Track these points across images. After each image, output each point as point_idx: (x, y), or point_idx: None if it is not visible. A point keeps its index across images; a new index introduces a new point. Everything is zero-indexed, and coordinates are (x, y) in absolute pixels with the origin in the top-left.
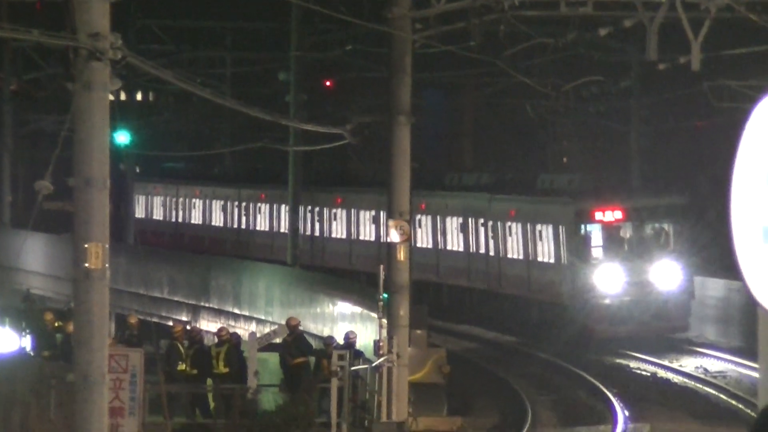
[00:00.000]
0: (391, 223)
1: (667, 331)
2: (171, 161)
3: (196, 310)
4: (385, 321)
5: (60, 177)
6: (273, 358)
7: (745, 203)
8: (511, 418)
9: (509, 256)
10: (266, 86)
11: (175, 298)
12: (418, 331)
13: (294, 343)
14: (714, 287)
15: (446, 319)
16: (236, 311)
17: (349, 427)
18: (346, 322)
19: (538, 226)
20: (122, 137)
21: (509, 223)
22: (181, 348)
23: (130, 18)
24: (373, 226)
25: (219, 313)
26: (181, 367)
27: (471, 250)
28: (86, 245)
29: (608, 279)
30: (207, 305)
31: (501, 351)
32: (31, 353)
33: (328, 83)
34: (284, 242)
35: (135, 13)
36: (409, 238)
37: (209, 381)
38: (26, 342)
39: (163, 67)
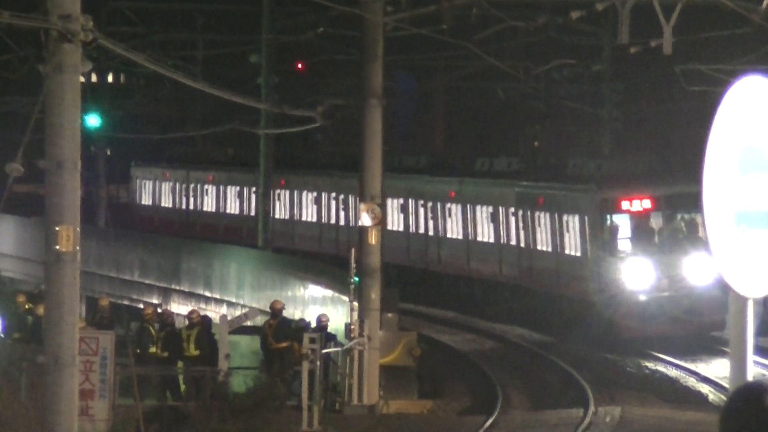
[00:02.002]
0: (362, 206)
1: (701, 328)
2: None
3: (167, 293)
4: (356, 304)
5: (31, 159)
6: (244, 341)
7: (717, 189)
8: (482, 401)
9: (538, 248)
10: (238, 69)
11: (147, 281)
12: (389, 315)
13: (278, 327)
14: None
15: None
16: (207, 294)
17: (321, 409)
18: (317, 305)
19: (565, 216)
20: (93, 120)
21: (538, 213)
22: (152, 330)
23: (102, 1)
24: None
25: (190, 296)
26: (152, 349)
27: (502, 242)
28: (57, 228)
29: (637, 273)
30: (178, 288)
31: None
32: (1, 335)
33: (300, 66)
34: (308, 230)
35: None
36: (380, 222)
37: (180, 363)
38: None
39: (134, 50)
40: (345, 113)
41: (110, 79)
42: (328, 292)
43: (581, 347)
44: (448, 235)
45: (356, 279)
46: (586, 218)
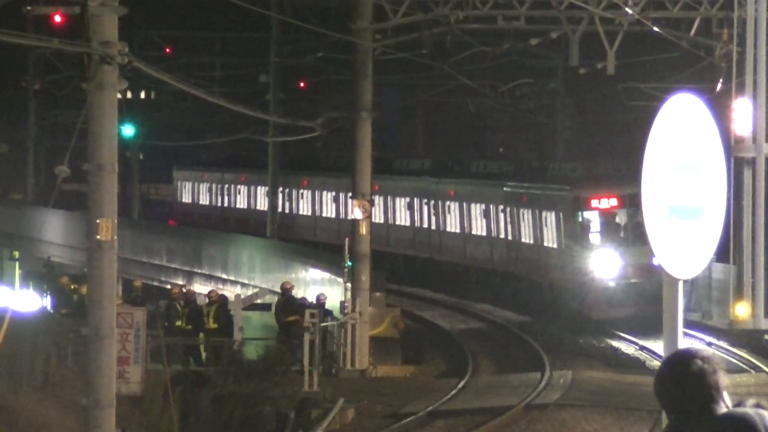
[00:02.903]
0: (354, 202)
1: (661, 311)
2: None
3: (190, 276)
4: (349, 285)
5: (76, 163)
6: (255, 316)
7: (653, 186)
8: (456, 367)
9: (523, 241)
10: (250, 87)
11: (173, 266)
12: (377, 294)
13: (286, 303)
14: (718, 270)
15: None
16: (224, 276)
17: (319, 373)
18: (317, 285)
19: (544, 213)
20: (128, 130)
21: (523, 210)
22: (178, 307)
23: (135, 29)
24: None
25: (209, 278)
26: (178, 323)
27: (492, 235)
28: (98, 220)
29: (605, 263)
30: (199, 271)
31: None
32: (51, 311)
33: (302, 84)
34: (327, 224)
35: (139, 24)
36: (370, 215)
37: (201, 335)
38: (47, 302)
39: (162, 70)
40: (340, 124)
41: (142, 95)
42: (326, 275)
43: (551, 326)
44: (448, 229)
45: (349, 263)
46: (561, 215)
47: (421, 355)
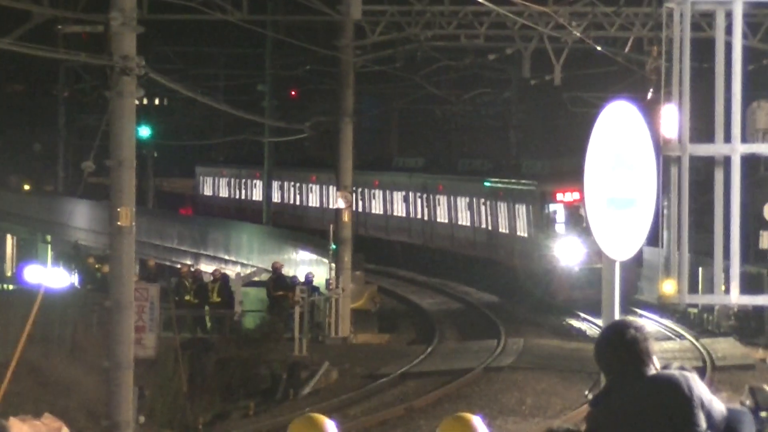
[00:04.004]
0: (338, 193)
1: (620, 293)
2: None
3: (197, 257)
4: (333, 265)
5: (100, 159)
6: (253, 291)
7: (594, 181)
8: (424, 335)
9: (500, 230)
10: (249, 94)
11: (182, 248)
12: (357, 272)
13: (277, 280)
14: (648, 252)
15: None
16: (226, 257)
17: (308, 340)
18: (306, 265)
19: (517, 206)
20: (144, 131)
21: (499, 203)
22: (186, 283)
23: (151, 45)
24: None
25: (214, 258)
26: (187, 297)
27: (475, 225)
28: (119, 209)
29: (569, 250)
30: (205, 253)
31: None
32: (78, 287)
33: (293, 93)
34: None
35: (154, 41)
36: (351, 205)
37: (206, 308)
38: (75, 279)
39: (174, 81)
40: (326, 127)
41: (157, 101)
42: (314, 256)
43: (515, 305)
44: (438, 220)
45: (334, 246)
46: (531, 207)
47: (395, 325)
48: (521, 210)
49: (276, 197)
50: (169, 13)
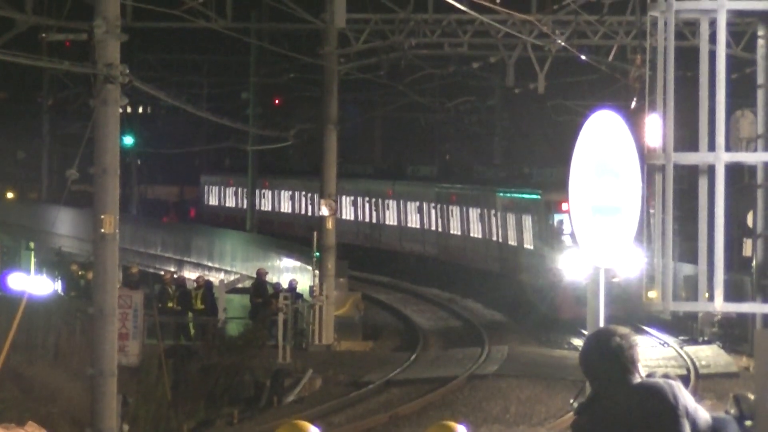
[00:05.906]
0: (322, 201)
1: (627, 311)
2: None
3: (181, 263)
4: (317, 272)
5: (84, 167)
6: (236, 298)
7: (579, 188)
8: (408, 343)
9: (509, 243)
10: (232, 102)
11: (166, 255)
12: (341, 279)
13: (258, 287)
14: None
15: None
16: (210, 264)
17: (291, 347)
18: (289, 272)
19: (523, 216)
20: (128, 139)
21: (509, 214)
22: (169, 290)
23: (135, 53)
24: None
25: (197, 265)
26: (170, 304)
27: (486, 237)
28: (102, 216)
29: (574, 264)
30: (189, 260)
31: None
32: (62, 294)
33: (277, 101)
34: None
35: (138, 49)
36: (335, 213)
37: (190, 314)
38: (58, 285)
39: (158, 88)
40: (310, 135)
41: (140, 109)
42: (297, 263)
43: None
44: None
45: (317, 254)
46: (536, 218)
47: (378, 332)
48: (527, 221)
49: (286, 208)
50: (154, 21)
